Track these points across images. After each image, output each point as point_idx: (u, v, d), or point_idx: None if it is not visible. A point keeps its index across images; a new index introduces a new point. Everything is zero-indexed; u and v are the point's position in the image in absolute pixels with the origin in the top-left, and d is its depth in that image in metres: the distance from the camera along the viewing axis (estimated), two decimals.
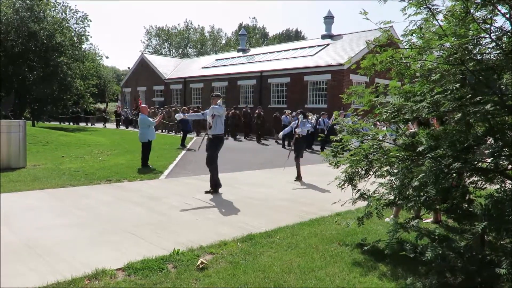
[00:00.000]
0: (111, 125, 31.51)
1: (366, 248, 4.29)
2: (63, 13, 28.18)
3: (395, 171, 4.26)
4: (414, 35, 3.85)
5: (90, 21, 29.52)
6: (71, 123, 33.44)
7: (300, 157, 9.31)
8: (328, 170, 5.05)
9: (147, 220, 5.43)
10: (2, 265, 3.69)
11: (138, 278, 3.52)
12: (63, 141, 15.69)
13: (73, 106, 32.67)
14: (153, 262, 3.84)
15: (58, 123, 33.58)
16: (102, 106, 38.53)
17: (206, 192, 7.35)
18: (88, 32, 29.20)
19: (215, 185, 7.44)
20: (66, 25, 27.82)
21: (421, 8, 3.61)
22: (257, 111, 20.65)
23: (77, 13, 28.82)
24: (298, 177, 9.10)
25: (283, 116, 19.21)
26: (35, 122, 27.50)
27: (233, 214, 5.95)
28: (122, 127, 28.81)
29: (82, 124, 33.07)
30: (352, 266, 3.96)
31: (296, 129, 9.33)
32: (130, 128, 27.83)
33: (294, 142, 9.34)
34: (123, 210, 5.92)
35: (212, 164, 7.45)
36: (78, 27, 29.09)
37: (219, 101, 7.47)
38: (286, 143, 16.97)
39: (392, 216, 5.67)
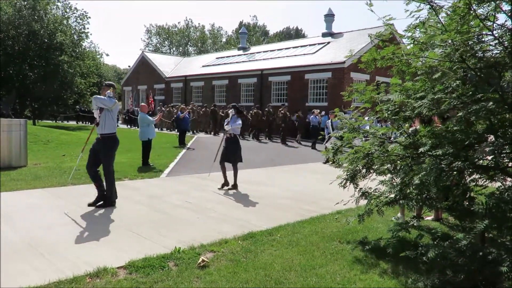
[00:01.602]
0: (123, 125, 30.62)
1: (368, 247, 4.29)
2: (64, 12, 28.21)
3: (397, 168, 4.26)
4: (417, 28, 3.83)
5: (90, 17, 29.58)
6: (89, 123, 32.93)
7: (234, 161, 7.72)
8: (329, 168, 5.06)
9: (148, 219, 5.43)
10: (4, 264, 3.70)
11: (139, 276, 3.53)
12: (64, 140, 15.70)
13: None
14: (154, 260, 3.85)
15: (75, 122, 33.39)
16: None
17: (90, 204, 5.92)
18: (88, 28, 29.27)
19: (104, 197, 5.94)
20: (66, 23, 27.85)
21: (423, 4, 3.60)
22: (282, 111, 18.75)
23: (76, 11, 28.83)
24: (226, 184, 7.69)
25: (312, 116, 17.27)
26: (36, 120, 27.54)
27: (233, 212, 5.95)
28: (134, 127, 27.54)
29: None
30: (352, 263, 3.96)
31: (225, 126, 7.76)
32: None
33: (224, 142, 7.80)
34: (124, 209, 5.92)
35: (107, 172, 6.02)
36: (77, 24, 29.14)
37: (108, 91, 5.97)
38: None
39: (399, 214, 5.64)
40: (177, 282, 3.45)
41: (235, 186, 7.71)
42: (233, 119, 7.68)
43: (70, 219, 5.26)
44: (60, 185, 7.52)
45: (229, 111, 7.92)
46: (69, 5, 28.72)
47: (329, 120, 12.31)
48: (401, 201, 3.94)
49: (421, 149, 3.66)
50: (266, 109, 20.28)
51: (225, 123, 7.79)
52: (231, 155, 7.65)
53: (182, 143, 15.42)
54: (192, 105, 24.12)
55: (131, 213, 5.71)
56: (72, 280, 3.40)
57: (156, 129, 22.80)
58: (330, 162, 9.30)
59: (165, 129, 25.24)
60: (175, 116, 18.85)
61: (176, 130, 20.62)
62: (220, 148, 8.00)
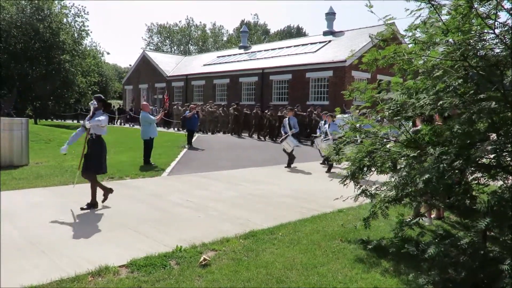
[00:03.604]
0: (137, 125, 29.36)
1: (369, 246, 4.29)
2: (60, 11, 28.22)
3: (398, 167, 4.25)
4: (418, 29, 3.82)
5: (87, 13, 29.57)
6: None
7: (96, 171, 5.88)
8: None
9: (149, 217, 5.44)
10: (7, 262, 3.71)
11: (141, 275, 3.54)
12: (66, 139, 15.66)
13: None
14: (156, 259, 3.86)
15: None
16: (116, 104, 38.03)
17: None
18: (87, 25, 29.36)
19: None
20: (65, 20, 27.91)
21: (424, 3, 3.59)
22: (315, 112, 17.65)
23: (70, 9, 28.83)
24: (93, 203, 5.82)
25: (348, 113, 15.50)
26: (38, 120, 27.60)
27: (235, 211, 5.95)
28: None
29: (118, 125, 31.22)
30: (354, 262, 3.97)
31: (86, 122, 5.76)
32: (160, 128, 23.36)
33: (89, 145, 5.89)
34: (125, 207, 5.93)
35: None
36: (76, 22, 29.19)
37: None
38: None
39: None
40: (179, 280, 3.46)
41: (92, 205, 5.82)
42: (97, 114, 5.80)
43: (71, 218, 5.27)
44: (61, 183, 7.53)
45: (90, 103, 5.95)
46: (64, 4, 28.65)
47: (287, 118, 11.32)
48: (404, 200, 3.94)
49: (427, 150, 3.64)
50: (295, 109, 19.00)
51: (87, 119, 5.81)
52: (88, 161, 5.82)
53: (189, 143, 14.52)
54: (210, 104, 23.13)
55: (133, 211, 5.72)
56: (74, 279, 3.41)
57: (172, 129, 22.47)
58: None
59: (165, 127, 24.92)
60: (183, 115, 17.87)
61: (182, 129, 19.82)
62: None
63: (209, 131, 21.71)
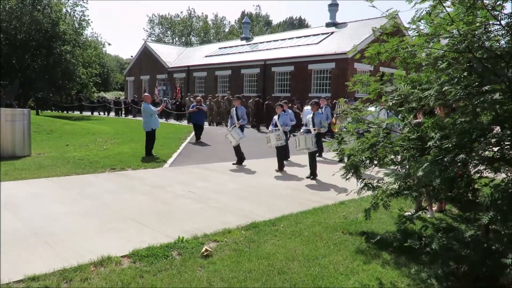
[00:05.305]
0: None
1: (372, 240, 4.28)
2: (61, 0, 28.03)
3: (400, 159, 4.24)
4: (422, 21, 3.78)
5: (86, 2, 29.43)
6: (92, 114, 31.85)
7: None
8: (331, 159, 5.07)
9: (151, 208, 5.46)
10: (9, 252, 3.73)
11: (143, 265, 3.56)
12: (67, 130, 15.74)
13: (120, 98, 31.73)
14: (158, 250, 3.88)
15: (91, 113, 32.52)
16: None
17: None
18: (88, 15, 29.14)
19: None
20: (65, 10, 27.78)
21: None
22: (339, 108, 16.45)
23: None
24: None
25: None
26: (39, 110, 27.60)
27: (237, 202, 5.96)
28: (162, 119, 22.45)
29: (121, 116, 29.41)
30: (355, 254, 3.98)
31: None
32: (171, 121, 23.53)
33: None
34: (127, 198, 5.95)
35: None
36: (76, 12, 29.06)
37: None
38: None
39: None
40: (181, 271, 3.48)
41: None
42: None
43: (74, 209, 5.29)
44: (63, 174, 7.55)
45: None
46: None
47: (234, 108, 10.20)
48: (405, 192, 3.93)
49: (430, 143, 3.62)
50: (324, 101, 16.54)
51: None
52: None
53: (197, 138, 13.73)
54: (229, 95, 21.96)
55: (134, 203, 5.73)
56: (76, 268, 3.43)
57: (185, 122, 21.83)
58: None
59: (177, 120, 24.33)
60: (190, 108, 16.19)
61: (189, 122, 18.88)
62: None
63: (225, 124, 20.83)
